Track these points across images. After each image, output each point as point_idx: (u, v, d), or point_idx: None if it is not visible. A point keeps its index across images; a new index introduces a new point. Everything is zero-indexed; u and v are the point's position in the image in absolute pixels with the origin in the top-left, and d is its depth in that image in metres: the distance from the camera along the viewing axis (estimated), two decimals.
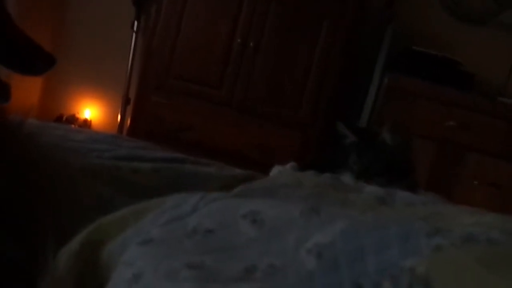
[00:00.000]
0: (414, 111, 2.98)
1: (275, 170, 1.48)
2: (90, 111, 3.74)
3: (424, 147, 2.98)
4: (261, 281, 0.58)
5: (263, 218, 0.68)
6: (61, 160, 0.78)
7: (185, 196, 0.77)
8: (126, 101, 3.41)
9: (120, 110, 3.46)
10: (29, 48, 1.26)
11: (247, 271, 0.61)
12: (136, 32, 3.43)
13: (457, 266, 0.51)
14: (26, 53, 1.25)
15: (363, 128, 1.60)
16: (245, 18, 3.07)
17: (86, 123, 3.68)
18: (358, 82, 3.31)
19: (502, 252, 0.53)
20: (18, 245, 0.68)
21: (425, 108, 2.98)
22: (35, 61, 1.27)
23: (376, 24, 3.29)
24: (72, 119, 3.64)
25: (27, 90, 3.47)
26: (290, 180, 1.09)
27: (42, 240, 0.66)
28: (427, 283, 0.50)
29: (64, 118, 3.63)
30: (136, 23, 3.42)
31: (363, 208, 0.84)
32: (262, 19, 3.06)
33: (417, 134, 2.98)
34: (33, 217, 0.69)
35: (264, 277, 0.59)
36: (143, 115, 3.20)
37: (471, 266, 0.51)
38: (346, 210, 0.73)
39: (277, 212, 0.69)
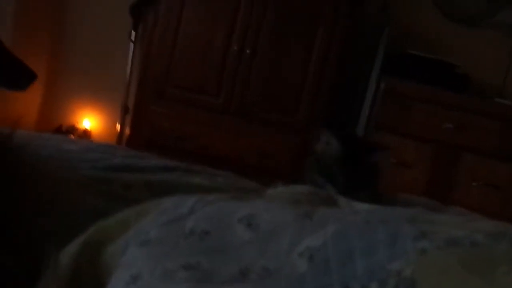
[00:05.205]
0: (411, 114, 2.99)
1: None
2: (90, 121, 3.75)
3: (422, 150, 2.99)
4: (254, 283, 0.60)
5: (258, 221, 0.69)
6: (52, 172, 0.78)
7: (182, 198, 0.78)
8: (125, 111, 3.43)
9: (119, 120, 3.48)
10: (13, 64, 1.27)
11: (241, 273, 0.62)
12: (134, 42, 3.45)
13: (440, 269, 0.53)
14: (11, 70, 1.26)
15: (347, 134, 1.45)
16: (241, 25, 3.09)
17: (85, 133, 3.69)
18: (355, 86, 3.32)
19: (484, 254, 0.54)
20: (17, 262, 0.69)
21: (422, 111, 2.99)
22: (20, 77, 1.28)
23: (371, 28, 3.30)
24: (72, 129, 3.65)
25: (26, 101, 3.48)
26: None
27: (40, 254, 0.66)
28: (412, 286, 0.52)
29: (63, 128, 3.64)
30: (133, 33, 3.43)
31: None
32: (258, 26, 3.08)
33: (414, 136, 2.99)
34: (28, 230, 0.70)
35: (258, 279, 0.60)
36: (142, 124, 3.21)
37: (453, 268, 0.52)
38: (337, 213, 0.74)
39: (272, 216, 0.70)
